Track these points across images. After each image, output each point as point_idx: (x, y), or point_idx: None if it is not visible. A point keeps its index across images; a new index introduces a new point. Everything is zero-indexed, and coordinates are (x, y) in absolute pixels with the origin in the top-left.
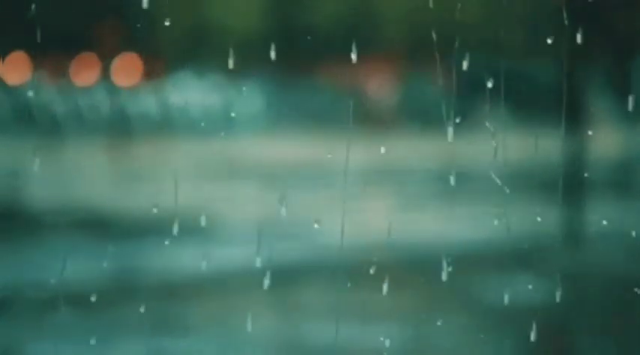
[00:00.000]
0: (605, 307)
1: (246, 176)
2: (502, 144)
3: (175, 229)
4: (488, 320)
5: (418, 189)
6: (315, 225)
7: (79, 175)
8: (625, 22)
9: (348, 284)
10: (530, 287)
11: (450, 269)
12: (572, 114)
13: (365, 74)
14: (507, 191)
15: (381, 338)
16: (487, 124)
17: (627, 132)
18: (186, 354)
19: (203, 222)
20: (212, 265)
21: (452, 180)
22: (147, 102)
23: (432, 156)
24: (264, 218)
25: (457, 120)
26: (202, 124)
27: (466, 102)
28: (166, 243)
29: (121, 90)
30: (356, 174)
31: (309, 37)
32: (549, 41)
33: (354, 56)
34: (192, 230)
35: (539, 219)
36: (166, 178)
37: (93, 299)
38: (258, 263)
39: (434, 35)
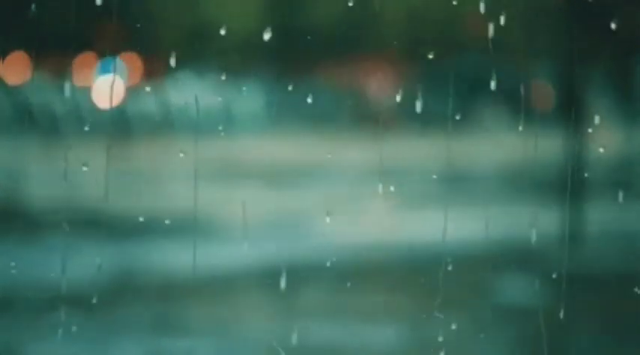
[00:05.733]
0: (604, 306)
1: (246, 176)
2: (502, 144)
3: (175, 228)
4: (487, 319)
5: (418, 189)
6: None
7: (78, 175)
8: (625, 21)
9: (348, 284)
10: (529, 286)
11: (450, 269)
12: (572, 114)
13: (365, 74)
14: (507, 191)
15: (382, 338)
16: (487, 124)
17: (627, 132)
18: (185, 354)
19: (203, 221)
20: (212, 264)
21: (452, 180)
22: (147, 102)
23: (431, 156)
24: (263, 217)
25: (457, 121)
26: (202, 124)
27: (466, 103)
28: (166, 242)
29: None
30: (356, 173)
31: (309, 37)
32: (550, 41)
33: (354, 56)
34: (192, 229)
35: (538, 218)
36: (166, 178)
37: (92, 299)
38: (257, 262)
39: (434, 35)
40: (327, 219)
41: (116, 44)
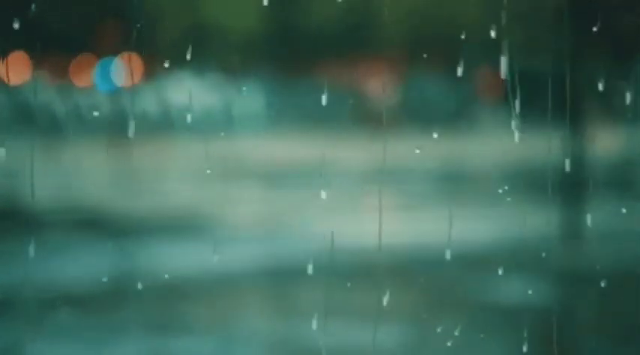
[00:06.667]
0: (604, 307)
1: (246, 176)
2: (501, 144)
3: (175, 228)
4: (487, 320)
5: (419, 188)
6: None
7: (79, 175)
8: (625, 21)
9: (348, 284)
10: (528, 286)
11: (450, 269)
12: (572, 114)
13: (365, 74)
14: (507, 191)
15: (383, 338)
16: (486, 124)
17: (627, 132)
18: (186, 354)
19: (202, 220)
20: (211, 264)
21: (452, 180)
22: (147, 102)
23: (431, 156)
24: (263, 217)
25: (457, 120)
26: (202, 124)
27: (466, 102)
28: (166, 242)
29: (121, 90)
30: (356, 173)
31: (309, 37)
32: (549, 41)
33: (353, 56)
34: (191, 229)
35: (538, 219)
36: (166, 178)
37: (92, 298)
38: (258, 262)
39: (434, 35)
40: (327, 219)
41: (116, 44)
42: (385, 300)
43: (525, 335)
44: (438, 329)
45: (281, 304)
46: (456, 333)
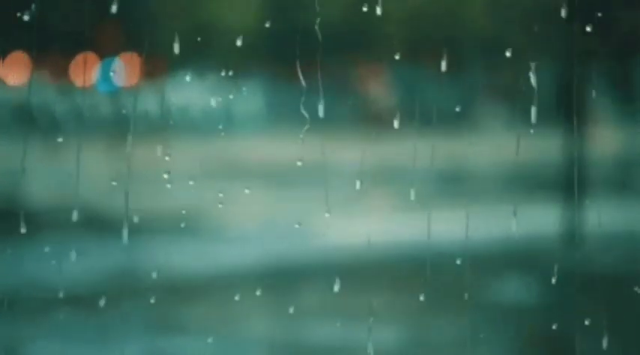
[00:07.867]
0: (604, 307)
1: (246, 176)
2: (502, 144)
3: (175, 229)
4: (487, 320)
5: (419, 189)
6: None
7: (79, 175)
8: (625, 21)
9: (347, 284)
10: (530, 287)
11: (450, 269)
12: (572, 114)
13: (365, 74)
14: (507, 191)
15: (380, 338)
16: (487, 124)
17: (627, 132)
18: (186, 354)
19: (202, 221)
20: (211, 264)
21: (452, 180)
22: (147, 102)
23: (431, 156)
24: (263, 217)
25: (457, 120)
26: (202, 124)
27: (466, 102)
28: (166, 242)
29: (121, 90)
30: (356, 174)
31: (309, 37)
32: (549, 41)
33: (354, 56)
34: (191, 230)
35: (539, 218)
36: (165, 178)
37: (91, 298)
38: (257, 262)
39: (435, 35)
40: (327, 220)
41: (116, 44)
42: (383, 300)
43: (521, 335)
44: (438, 330)
45: (281, 304)
46: (455, 333)
